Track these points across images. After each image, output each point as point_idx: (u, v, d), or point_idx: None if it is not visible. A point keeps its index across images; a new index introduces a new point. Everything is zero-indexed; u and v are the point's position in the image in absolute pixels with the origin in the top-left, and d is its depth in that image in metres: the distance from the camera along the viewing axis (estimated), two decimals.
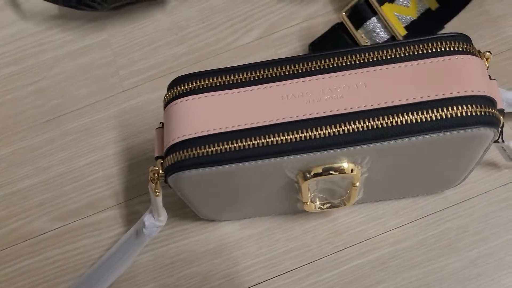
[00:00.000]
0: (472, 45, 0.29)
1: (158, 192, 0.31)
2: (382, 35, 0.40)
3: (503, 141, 0.33)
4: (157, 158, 0.30)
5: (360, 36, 0.40)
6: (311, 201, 0.33)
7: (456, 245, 0.35)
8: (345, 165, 0.28)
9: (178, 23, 0.45)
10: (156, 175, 0.29)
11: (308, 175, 0.29)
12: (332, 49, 0.29)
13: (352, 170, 0.29)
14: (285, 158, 0.27)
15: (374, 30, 0.40)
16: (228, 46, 0.44)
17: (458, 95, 0.27)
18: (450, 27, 0.42)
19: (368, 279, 0.35)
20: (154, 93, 0.43)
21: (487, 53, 0.30)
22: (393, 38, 0.40)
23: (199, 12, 0.46)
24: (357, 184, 0.30)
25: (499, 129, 0.28)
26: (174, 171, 0.28)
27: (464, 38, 0.29)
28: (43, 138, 0.42)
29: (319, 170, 0.28)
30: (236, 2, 0.46)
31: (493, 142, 0.33)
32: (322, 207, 0.34)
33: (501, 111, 0.29)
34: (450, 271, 0.34)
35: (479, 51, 0.29)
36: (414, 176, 0.32)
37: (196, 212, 0.35)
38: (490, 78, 0.29)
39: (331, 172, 0.28)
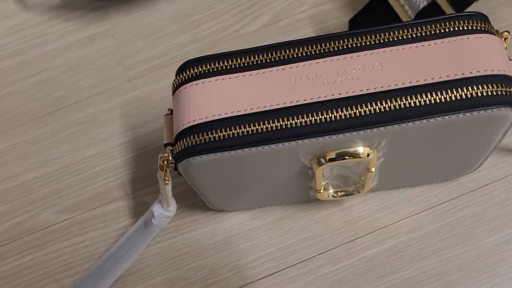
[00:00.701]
0: (490, 24, 0.28)
1: (168, 180, 0.30)
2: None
3: None
4: (166, 145, 0.29)
5: (400, 4, 0.38)
6: (324, 189, 0.32)
7: (472, 232, 0.34)
8: (361, 149, 0.27)
9: (183, 12, 0.44)
10: (165, 162, 0.29)
11: (322, 161, 0.28)
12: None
13: (368, 155, 0.28)
14: (299, 142, 0.26)
15: None
16: (234, 33, 0.43)
17: (477, 74, 0.26)
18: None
19: (383, 268, 0.34)
20: (159, 83, 0.42)
21: (506, 33, 0.29)
22: (433, 4, 0.38)
23: (204, 0, 0.45)
24: (373, 169, 0.30)
25: None
26: (185, 157, 0.27)
27: (481, 17, 0.28)
28: (46, 130, 0.41)
29: (334, 155, 0.28)
30: None
31: None
32: (335, 195, 0.33)
33: None
34: (467, 259, 0.33)
35: (497, 31, 0.28)
36: (431, 161, 0.31)
37: (206, 201, 0.34)
38: (509, 59, 0.29)
39: (346, 157, 0.28)
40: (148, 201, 0.38)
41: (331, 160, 0.28)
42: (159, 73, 0.42)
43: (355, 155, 0.28)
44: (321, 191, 0.32)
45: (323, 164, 0.28)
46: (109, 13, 0.45)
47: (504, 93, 0.26)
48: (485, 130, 0.28)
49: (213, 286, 0.35)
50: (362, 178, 0.31)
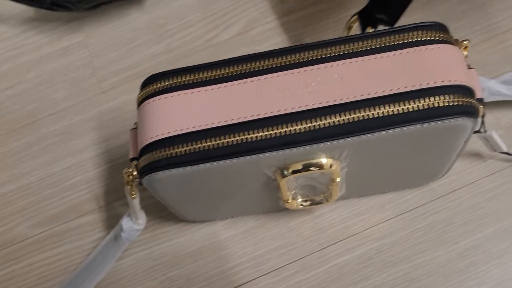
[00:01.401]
0: (449, 33, 0.28)
1: (135, 195, 0.30)
2: None
3: (485, 131, 0.32)
4: (132, 159, 0.29)
5: None
6: (292, 199, 0.33)
7: (442, 237, 0.34)
8: (324, 160, 0.28)
9: (156, 22, 0.44)
10: (130, 177, 0.29)
11: (286, 172, 0.28)
12: None
13: (331, 166, 0.28)
14: (261, 155, 0.26)
15: None
16: (207, 43, 0.43)
17: (434, 85, 0.26)
18: (433, 16, 0.41)
19: (354, 275, 0.34)
20: (133, 94, 0.42)
21: (465, 42, 0.29)
22: None
23: (176, 10, 0.45)
24: (338, 180, 0.30)
25: (478, 119, 0.27)
26: (148, 173, 0.27)
27: (440, 27, 0.28)
28: (21, 143, 0.42)
29: (297, 166, 0.28)
30: None
31: (474, 133, 0.33)
32: (304, 204, 0.33)
33: (480, 100, 0.28)
34: (437, 264, 0.34)
35: (456, 40, 0.29)
36: (396, 169, 0.32)
37: (176, 213, 0.34)
38: (469, 67, 0.29)
39: (309, 168, 0.28)
40: (122, 212, 0.38)
41: (294, 172, 0.28)
42: (132, 84, 0.42)
43: (318, 167, 0.28)
44: (289, 201, 0.32)
45: (287, 176, 0.28)
46: (82, 25, 0.45)
47: (461, 103, 0.26)
48: (445, 140, 0.28)
49: None
50: (329, 188, 0.32)
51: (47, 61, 0.44)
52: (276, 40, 0.42)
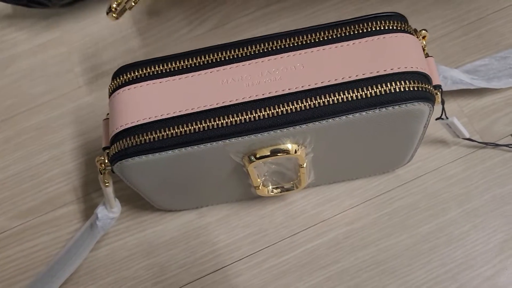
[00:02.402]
0: (408, 24, 0.29)
1: (108, 183, 0.31)
2: None
3: (447, 118, 0.34)
4: (104, 148, 0.30)
5: None
6: (263, 186, 0.34)
7: (407, 222, 0.36)
8: (289, 146, 0.29)
9: (132, 17, 0.45)
10: (102, 165, 0.30)
11: (252, 158, 0.29)
12: None
13: (296, 151, 0.29)
14: (227, 141, 0.27)
15: None
16: (182, 37, 0.44)
17: (392, 71, 0.27)
18: (400, 8, 0.42)
19: (323, 259, 0.35)
20: None
21: (423, 31, 0.30)
22: None
23: (153, 5, 0.46)
24: (304, 165, 0.31)
25: (435, 105, 0.28)
26: (117, 160, 0.28)
27: (399, 17, 0.29)
28: None
29: (263, 152, 0.29)
30: None
31: (436, 119, 0.34)
32: (275, 190, 0.35)
33: (438, 87, 0.29)
34: (402, 247, 0.35)
35: (415, 30, 0.30)
36: (361, 155, 0.33)
37: (151, 202, 0.35)
38: (427, 56, 0.30)
39: (275, 154, 0.29)
40: (99, 203, 0.38)
41: (261, 157, 0.29)
42: (109, 78, 0.43)
43: (283, 152, 0.29)
44: (260, 188, 0.33)
45: (254, 161, 0.29)
46: (59, 21, 0.46)
47: (418, 88, 0.27)
48: (404, 125, 0.29)
49: (163, 283, 0.36)
50: (298, 174, 0.33)
51: (25, 57, 0.45)
52: (251, 33, 0.43)
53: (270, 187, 0.34)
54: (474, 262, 0.34)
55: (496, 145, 0.37)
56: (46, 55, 0.45)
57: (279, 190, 0.35)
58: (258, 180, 0.32)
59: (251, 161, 0.29)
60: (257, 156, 0.29)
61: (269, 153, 0.29)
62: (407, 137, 0.31)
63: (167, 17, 0.45)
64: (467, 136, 0.35)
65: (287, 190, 0.34)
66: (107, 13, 0.36)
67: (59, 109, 0.43)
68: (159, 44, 0.44)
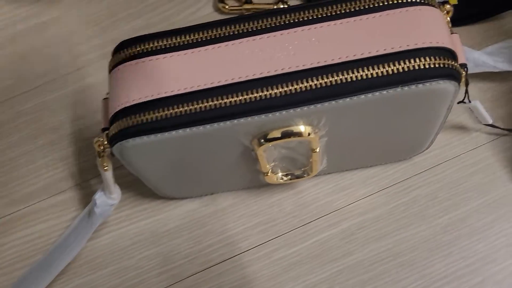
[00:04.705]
0: None
1: (107, 167, 0.29)
2: None
3: (469, 101, 0.31)
4: (103, 130, 0.28)
5: None
6: (272, 172, 0.32)
7: (426, 212, 0.34)
8: (302, 128, 0.27)
9: None
10: (101, 147, 0.28)
11: (262, 141, 0.27)
12: None
13: (309, 134, 0.27)
14: (235, 121, 0.25)
15: None
16: (189, 17, 0.42)
17: (415, 47, 0.25)
18: None
19: (336, 251, 0.33)
20: None
21: (448, 6, 0.28)
22: None
23: None
24: (317, 149, 0.29)
25: (461, 85, 0.26)
26: (117, 141, 0.26)
27: None
28: None
29: (274, 134, 0.27)
30: None
31: (458, 103, 0.32)
32: (285, 178, 0.32)
33: (463, 65, 0.27)
34: (421, 239, 0.33)
35: (439, 3, 0.28)
36: (378, 140, 0.31)
37: (153, 189, 0.33)
38: (452, 32, 0.28)
39: (286, 136, 0.27)
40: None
41: (272, 139, 0.27)
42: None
43: (295, 134, 0.27)
44: (269, 174, 0.31)
45: (263, 144, 0.27)
46: (60, 0, 0.44)
47: (443, 65, 0.25)
48: (427, 105, 0.27)
49: (167, 273, 0.34)
50: (310, 160, 0.31)
51: (24, 36, 0.43)
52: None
53: (280, 174, 0.32)
54: (498, 255, 0.32)
55: None
56: (46, 35, 0.43)
57: (289, 177, 0.32)
58: (267, 166, 0.30)
59: (260, 144, 0.27)
60: (268, 138, 0.27)
61: (280, 136, 0.27)
62: (429, 120, 0.29)
63: None
64: (490, 121, 0.33)
65: (298, 177, 0.32)
66: None
67: (58, 91, 0.41)
68: (164, 25, 0.42)
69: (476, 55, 0.34)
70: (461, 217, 0.33)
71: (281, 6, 0.39)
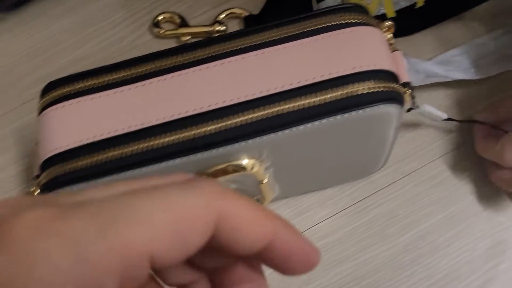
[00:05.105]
0: (369, 15, 0.26)
1: None
2: None
3: (417, 107, 0.30)
4: (36, 177, 0.26)
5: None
6: None
7: (387, 231, 0.33)
8: (244, 161, 0.25)
9: (79, 24, 0.41)
10: None
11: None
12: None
13: (252, 167, 0.26)
14: (170, 162, 0.24)
15: None
16: (133, 43, 0.40)
17: (352, 71, 0.24)
18: None
19: (298, 279, 0.32)
20: None
21: (388, 22, 0.27)
22: None
23: (98, 11, 0.42)
24: (265, 181, 0.28)
25: (403, 105, 0.25)
26: (49, 190, 0.25)
27: (358, 9, 0.26)
28: None
29: (215, 171, 0.26)
30: None
31: (408, 111, 0.30)
32: None
33: (406, 84, 0.26)
34: (383, 260, 0.32)
35: (378, 21, 0.27)
36: (328, 164, 0.30)
37: None
38: (394, 49, 0.27)
39: (228, 172, 0.26)
40: None
41: (213, 176, 0.26)
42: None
43: (238, 169, 0.26)
44: None
45: None
46: (2, 30, 0.42)
47: (383, 89, 0.24)
48: (372, 129, 0.26)
49: None
50: (260, 189, 0.29)
51: None
52: None
53: None
54: (461, 272, 0.31)
55: (475, 121, 0.33)
56: None
57: None
58: None
59: None
60: (209, 175, 0.26)
61: (222, 172, 0.26)
62: (377, 142, 0.28)
63: (116, 21, 0.41)
64: (445, 116, 0.31)
65: None
66: None
67: (2, 129, 0.39)
68: (108, 52, 0.40)
69: (427, 66, 0.33)
70: (422, 234, 0.32)
71: (217, 28, 0.38)
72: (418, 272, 0.32)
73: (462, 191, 0.33)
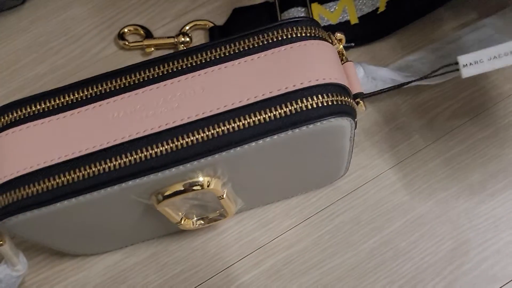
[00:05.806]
0: (320, 28, 0.26)
1: (1, 242, 0.27)
2: None
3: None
4: None
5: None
6: (187, 218, 0.30)
7: (350, 238, 0.33)
8: (200, 179, 0.25)
9: (37, 40, 0.41)
10: None
11: (161, 197, 0.26)
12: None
13: (208, 185, 0.26)
14: (123, 185, 0.24)
15: None
16: (95, 57, 0.40)
17: (302, 86, 0.24)
18: None
19: None
20: None
21: (339, 34, 0.27)
22: None
23: (59, 24, 0.41)
24: (224, 196, 0.28)
25: (356, 116, 0.25)
26: (1, 218, 0.24)
27: (309, 22, 0.26)
28: None
29: (172, 190, 0.25)
30: (100, 7, 0.42)
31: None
32: (202, 222, 0.31)
33: (359, 95, 0.26)
34: (347, 267, 0.32)
35: (329, 34, 0.27)
36: (288, 175, 0.30)
37: (65, 252, 0.31)
38: (346, 61, 0.27)
39: (185, 190, 0.25)
40: None
41: (170, 196, 0.25)
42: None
43: (194, 187, 0.25)
44: (183, 222, 0.30)
45: (162, 201, 0.26)
46: None
47: (333, 102, 0.24)
48: (326, 142, 0.26)
49: None
50: (221, 204, 0.29)
51: None
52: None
53: (195, 219, 0.31)
54: (425, 275, 0.32)
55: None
56: None
57: (206, 221, 0.31)
58: (178, 215, 0.29)
59: (159, 201, 0.26)
60: (165, 195, 0.25)
61: (178, 190, 0.25)
62: (335, 153, 0.28)
63: (78, 35, 0.41)
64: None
65: (215, 220, 0.31)
66: None
67: None
68: (70, 67, 0.39)
69: (384, 73, 0.34)
70: (385, 239, 0.33)
71: (182, 40, 0.38)
72: (382, 278, 0.32)
73: (423, 195, 0.33)
